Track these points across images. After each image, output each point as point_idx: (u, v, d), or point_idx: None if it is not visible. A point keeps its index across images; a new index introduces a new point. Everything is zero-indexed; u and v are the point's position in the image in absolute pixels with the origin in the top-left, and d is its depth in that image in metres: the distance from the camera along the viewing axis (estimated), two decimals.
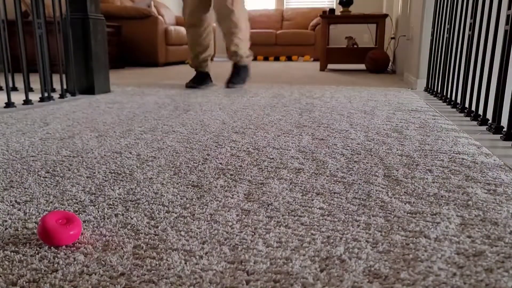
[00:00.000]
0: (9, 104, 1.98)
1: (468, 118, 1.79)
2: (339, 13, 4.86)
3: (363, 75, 4.19)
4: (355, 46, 4.93)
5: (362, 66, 5.40)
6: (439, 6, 2.55)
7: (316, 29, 7.21)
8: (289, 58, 7.42)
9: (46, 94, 2.20)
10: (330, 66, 5.59)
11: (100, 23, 2.48)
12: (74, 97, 2.40)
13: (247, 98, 2.37)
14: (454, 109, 2.03)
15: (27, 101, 2.10)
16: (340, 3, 4.87)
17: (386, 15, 4.54)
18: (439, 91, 2.41)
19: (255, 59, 7.48)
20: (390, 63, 4.90)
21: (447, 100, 2.20)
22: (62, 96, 2.33)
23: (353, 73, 4.44)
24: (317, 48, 7.23)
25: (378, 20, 4.60)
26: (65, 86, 2.42)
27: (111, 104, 2.15)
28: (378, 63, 4.36)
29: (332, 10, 4.80)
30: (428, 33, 2.72)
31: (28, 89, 2.17)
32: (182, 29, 5.92)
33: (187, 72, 4.58)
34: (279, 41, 7.37)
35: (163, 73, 4.35)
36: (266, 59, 7.48)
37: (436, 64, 2.50)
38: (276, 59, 7.44)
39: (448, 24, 2.27)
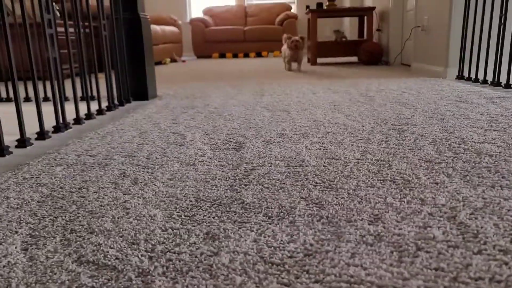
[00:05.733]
0: (89, 116, 1.77)
1: None
2: (325, 7, 4.92)
3: (363, 67, 4.28)
4: (344, 39, 5.02)
5: (350, 59, 5.49)
6: None
7: (284, 24, 7.24)
8: (258, 54, 7.39)
9: (111, 103, 2.00)
10: (318, 60, 5.63)
11: (147, 23, 2.30)
12: (130, 104, 2.20)
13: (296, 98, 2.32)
14: None
15: (100, 112, 1.89)
16: None
17: (373, 8, 4.67)
18: (483, 77, 2.53)
19: (224, 56, 7.37)
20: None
21: (501, 84, 2.32)
22: (121, 104, 2.13)
23: (349, 66, 4.53)
24: None
25: (366, 13, 4.73)
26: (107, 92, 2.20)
27: (186, 108, 2.01)
28: (373, 55, 4.48)
29: (320, 4, 4.85)
30: (459, 22, 2.84)
31: (89, 98, 1.95)
32: (157, 28, 5.66)
33: (168, 72, 4.40)
34: (248, 37, 7.31)
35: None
36: (235, 56, 7.39)
37: (476, 52, 2.62)
38: (246, 55, 7.38)
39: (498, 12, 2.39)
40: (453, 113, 1.68)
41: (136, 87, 2.27)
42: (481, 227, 0.71)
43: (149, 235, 0.73)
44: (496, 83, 2.43)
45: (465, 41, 2.79)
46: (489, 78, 2.57)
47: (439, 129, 1.42)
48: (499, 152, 1.13)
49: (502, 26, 2.35)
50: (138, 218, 0.80)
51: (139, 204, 0.87)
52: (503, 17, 2.35)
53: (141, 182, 1.00)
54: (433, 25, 3.21)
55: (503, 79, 2.44)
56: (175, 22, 6.86)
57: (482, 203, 0.81)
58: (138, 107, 2.11)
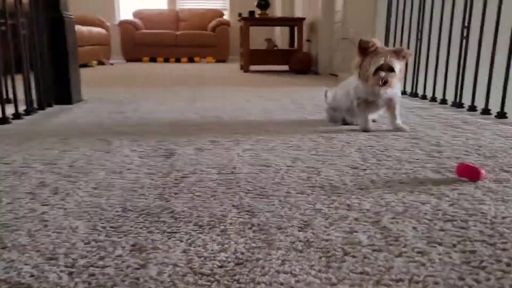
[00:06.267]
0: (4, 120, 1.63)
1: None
2: (257, 16, 5.00)
3: (294, 76, 4.40)
4: (275, 48, 5.13)
5: (282, 67, 5.58)
6: (391, 16, 2.86)
7: (217, 31, 7.25)
8: (191, 60, 7.31)
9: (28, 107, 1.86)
10: (251, 67, 5.68)
11: (72, 23, 2.18)
12: (52, 108, 2.07)
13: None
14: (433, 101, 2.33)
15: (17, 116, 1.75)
16: (258, 6, 5.01)
17: (303, 19, 4.83)
18: (403, 88, 2.72)
19: (154, 60, 7.20)
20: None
21: (426, 96, 2.51)
22: (41, 107, 1.99)
23: (280, 74, 4.63)
24: (220, 49, 7.29)
25: (296, 23, 4.87)
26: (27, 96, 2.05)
27: (114, 113, 1.92)
28: (303, 64, 4.62)
29: (252, 12, 4.92)
30: (381, 39, 3.02)
31: (5, 101, 1.80)
32: (83, 28, 5.40)
33: (95, 76, 4.23)
34: (180, 42, 7.21)
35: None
36: (166, 60, 7.24)
37: None
38: (178, 60, 7.27)
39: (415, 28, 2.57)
40: (377, 122, 1.78)
41: (59, 90, 2.14)
42: (402, 231, 0.75)
43: (69, 249, 0.68)
44: (413, 94, 2.61)
45: None
46: (408, 89, 2.76)
47: (364, 137, 1.49)
48: (417, 159, 1.21)
49: (419, 42, 2.54)
50: (57, 231, 0.75)
51: (59, 215, 0.81)
52: (419, 33, 2.53)
53: (62, 192, 0.94)
54: (358, 37, 3.38)
55: (420, 91, 2.63)
56: (103, 24, 6.60)
57: (402, 207, 0.85)
58: (61, 111, 1.99)
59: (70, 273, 0.61)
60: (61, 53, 2.09)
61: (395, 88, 1.57)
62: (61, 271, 0.62)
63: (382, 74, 1.48)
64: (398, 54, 1.51)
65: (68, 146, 1.34)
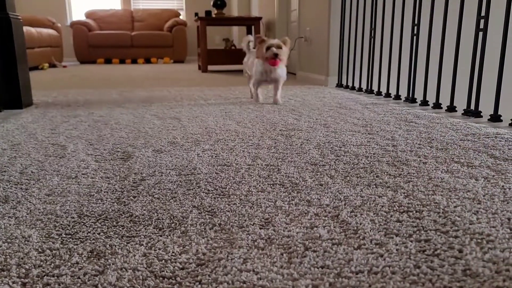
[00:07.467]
0: None
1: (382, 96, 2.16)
2: (214, 15, 4.98)
3: None
4: (233, 47, 5.12)
5: (240, 67, 5.60)
6: (345, 15, 2.93)
7: (174, 31, 7.16)
8: (147, 61, 7.18)
9: None
10: (209, 67, 5.65)
11: (20, 24, 2.09)
12: (1, 113, 1.97)
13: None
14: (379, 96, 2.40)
15: None
16: (215, 5, 4.99)
17: (260, 18, 4.85)
18: (358, 85, 2.78)
19: (110, 62, 7.02)
20: None
21: (371, 91, 2.57)
22: None
23: (239, 73, 4.63)
24: (177, 50, 7.20)
25: (253, 22, 4.88)
26: None
27: (67, 117, 1.86)
28: None
29: (208, 12, 4.89)
30: (337, 35, 3.08)
31: None
32: (33, 30, 5.18)
33: (46, 79, 4.08)
34: (135, 43, 7.07)
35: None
36: (122, 62, 7.08)
37: (351, 63, 2.87)
38: (134, 61, 7.12)
39: (369, 30, 2.64)
40: (334, 119, 1.81)
41: (7, 94, 2.04)
42: (360, 224, 0.77)
43: (22, 258, 0.65)
44: (369, 91, 2.68)
45: (342, 53, 3.03)
46: (364, 86, 2.83)
47: (322, 134, 1.52)
48: (373, 154, 1.24)
49: (372, 40, 2.61)
50: (8, 240, 0.71)
51: (10, 224, 0.78)
52: (372, 31, 2.61)
53: (13, 200, 0.90)
54: (314, 37, 3.43)
55: (375, 87, 2.71)
56: (53, 25, 6.36)
57: (360, 201, 0.88)
58: (10, 116, 1.90)
59: (24, 284, 0.59)
60: (8, 56, 1.99)
61: (281, 70, 2.19)
62: (14, 282, 0.59)
63: (274, 45, 2.10)
64: (283, 42, 2.15)
65: (19, 152, 1.28)
